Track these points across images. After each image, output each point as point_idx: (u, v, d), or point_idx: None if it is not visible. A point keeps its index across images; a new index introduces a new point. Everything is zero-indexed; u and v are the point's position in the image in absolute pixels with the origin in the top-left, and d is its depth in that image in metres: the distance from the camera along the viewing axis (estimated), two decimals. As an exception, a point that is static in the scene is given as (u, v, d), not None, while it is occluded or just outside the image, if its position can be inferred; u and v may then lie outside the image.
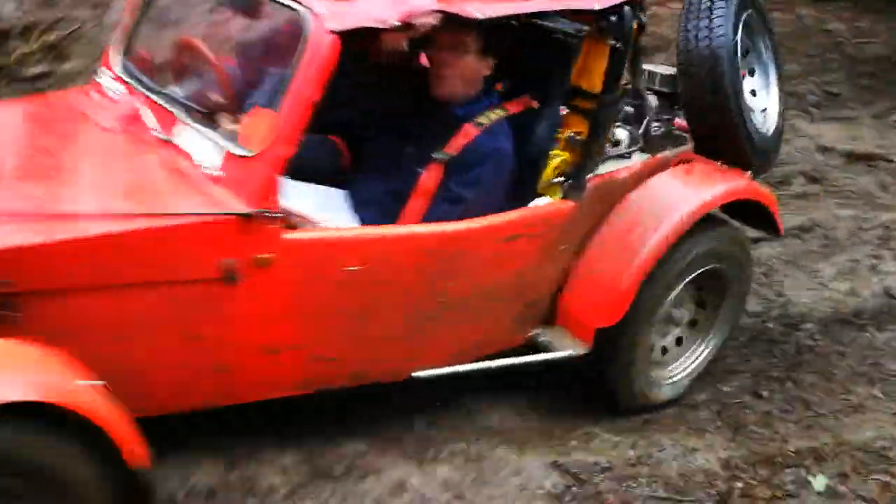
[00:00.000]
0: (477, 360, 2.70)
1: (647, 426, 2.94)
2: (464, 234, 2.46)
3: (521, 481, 2.57)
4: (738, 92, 2.95)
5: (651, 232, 2.72)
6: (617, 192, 2.81)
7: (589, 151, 2.69)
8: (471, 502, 2.48)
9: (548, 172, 2.70)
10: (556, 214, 2.65)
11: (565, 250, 2.75)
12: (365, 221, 2.54)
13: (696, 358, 3.12)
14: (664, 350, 3.05)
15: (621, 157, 2.90)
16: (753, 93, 3.26)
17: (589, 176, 2.70)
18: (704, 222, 2.83)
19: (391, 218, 2.50)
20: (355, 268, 2.31)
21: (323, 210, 2.47)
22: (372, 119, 2.77)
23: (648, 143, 2.98)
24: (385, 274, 2.39)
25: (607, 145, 2.85)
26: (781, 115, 3.34)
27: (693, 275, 2.89)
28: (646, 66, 3.16)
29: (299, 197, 2.39)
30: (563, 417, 2.94)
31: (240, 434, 2.54)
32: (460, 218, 2.48)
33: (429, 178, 2.52)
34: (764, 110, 3.26)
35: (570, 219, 2.68)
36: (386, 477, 2.51)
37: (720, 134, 2.99)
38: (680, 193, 2.87)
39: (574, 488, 2.56)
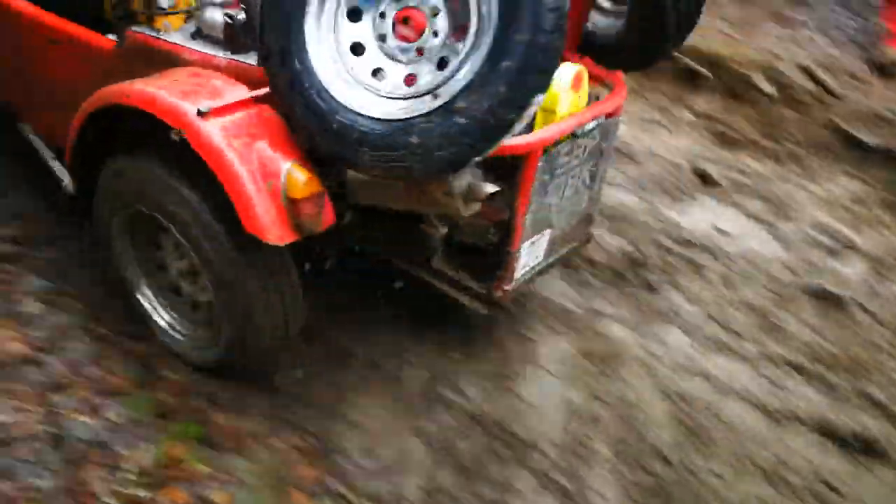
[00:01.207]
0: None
1: None
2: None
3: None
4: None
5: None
6: (164, 63, 2.42)
7: None
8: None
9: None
10: (94, 42, 2.59)
11: None
12: None
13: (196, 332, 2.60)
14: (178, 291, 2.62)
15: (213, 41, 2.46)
16: (420, 52, 1.99)
17: (142, 29, 2.51)
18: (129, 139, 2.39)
19: None
20: None
21: None
22: None
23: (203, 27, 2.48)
24: None
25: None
26: (474, 115, 1.84)
27: (129, 208, 2.46)
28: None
29: None
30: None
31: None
32: None
33: None
34: (436, 96, 1.91)
35: (110, 59, 2.55)
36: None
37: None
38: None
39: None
